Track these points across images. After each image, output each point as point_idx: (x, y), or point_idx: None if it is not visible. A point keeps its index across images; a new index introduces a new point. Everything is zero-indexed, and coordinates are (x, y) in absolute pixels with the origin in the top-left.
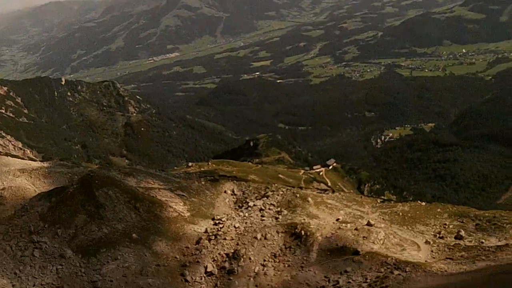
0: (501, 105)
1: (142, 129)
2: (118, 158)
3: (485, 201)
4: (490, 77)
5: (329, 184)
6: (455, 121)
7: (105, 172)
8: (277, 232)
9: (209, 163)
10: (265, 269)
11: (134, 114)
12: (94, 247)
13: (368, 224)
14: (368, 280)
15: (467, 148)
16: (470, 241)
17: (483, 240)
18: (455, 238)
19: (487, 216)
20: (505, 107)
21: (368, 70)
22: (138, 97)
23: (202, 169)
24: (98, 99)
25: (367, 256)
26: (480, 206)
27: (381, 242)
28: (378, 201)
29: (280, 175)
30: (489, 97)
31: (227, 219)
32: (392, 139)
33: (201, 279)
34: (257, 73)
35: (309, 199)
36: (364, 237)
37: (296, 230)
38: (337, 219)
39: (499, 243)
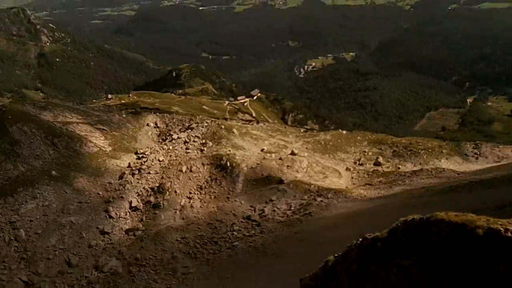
0: (418, 34)
1: (57, 59)
2: (32, 92)
3: (402, 128)
4: (409, 6)
5: (254, 114)
6: (374, 50)
7: (19, 107)
8: (203, 164)
9: (130, 95)
10: (191, 201)
11: (48, 44)
12: (11, 186)
13: (292, 153)
14: (292, 208)
15: (386, 77)
16: (388, 167)
17: (400, 166)
18: (374, 164)
19: (403, 143)
20: (422, 36)
21: None
22: (51, 25)
23: (122, 101)
24: (7, 28)
25: (291, 185)
26: (397, 133)
27: (305, 170)
28: (302, 130)
29: (204, 107)
30: (407, 26)
31: (151, 153)
32: (315, 69)
33: (126, 214)
34: None
35: (234, 130)
36: (288, 166)
37: (222, 161)
38: (262, 150)
39: (414, 168)
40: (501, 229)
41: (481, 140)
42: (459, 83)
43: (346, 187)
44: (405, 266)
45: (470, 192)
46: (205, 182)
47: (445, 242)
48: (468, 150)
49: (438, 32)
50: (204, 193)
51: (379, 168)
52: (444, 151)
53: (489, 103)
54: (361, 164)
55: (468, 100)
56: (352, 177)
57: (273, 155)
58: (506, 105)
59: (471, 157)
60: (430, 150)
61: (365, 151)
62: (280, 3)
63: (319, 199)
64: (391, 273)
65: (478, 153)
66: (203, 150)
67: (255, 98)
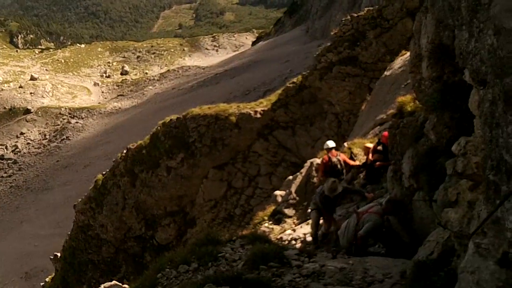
0: None
1: None
2: None
3: (141, 32)
4: None
5: None
6: None
7: None
8: None
9: None
10: None
11: None
12: None
13: (32, 78)
14: (47, 136)
15: None
16: (136, 74)
17: (147, 71)
18: (121, 74)
19: (145, 47)
20: None
21: None
22: None
23: None
24: None
25: (39, 112)
26: (137, 38)
27: (50, 94)
28: (36, 51)
29: None
30: None
31: None
32: None
33: None
34: None
35: None
36: (31, 93)
37: None
38: None
39: (162, 71)
40: (251, 112)
41: (217, 32)
42: None
43: (99, 102)
44: (173, 167)
45: (218, 84)
46: None
47: (205, 134)
48: (208, 44)
49: None
50: None
51: (127, 77)
52: (185, 49)
53: None
54: (108, 76)
55: None
56: (102, 92)
57: (11, 84)
58: None
59: (212, 50)
60: (172, 50)
61: (109, 62)
62: None
63: (73, 121)
64: (162, 176)
65: (217, 45)
66: None
67: None
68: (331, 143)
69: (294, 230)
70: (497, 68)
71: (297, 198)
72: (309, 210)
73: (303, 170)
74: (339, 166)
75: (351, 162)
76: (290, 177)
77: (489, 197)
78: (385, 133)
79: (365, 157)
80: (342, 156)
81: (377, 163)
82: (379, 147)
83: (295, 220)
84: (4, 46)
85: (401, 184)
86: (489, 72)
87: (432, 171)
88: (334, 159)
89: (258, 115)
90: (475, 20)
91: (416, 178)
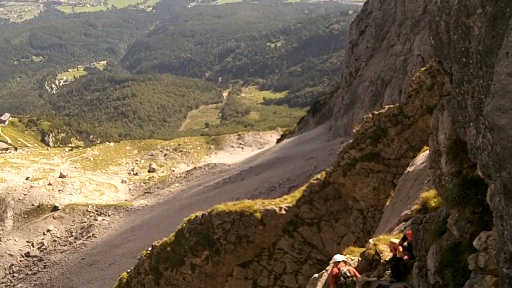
0: (165, 34)
1: None
2: None
3: (168, 131)
4: (151, 8)
5: (10, 141)
6: (125, 56)
7: None
8: None
9: None
10: None
11: None
12: None
13: (61, 176)
14: (74, 234)
15: (143, 82)
16: (163, 172)
17: (174, 168)
18: (149, 171)
19: (173, 145)
20: (169, 36)
21: (26, 10)
22: None
23: None
24: None
25: (67, 209)
26: (164, 136)
27: (78, 191)
28: (66, 150)
29: None
30: (153, 28)
31: None
32: (67, 82)
33: None
34: None
35: None
36: (59, 190)
37: None
38: (27, 178)
39: (188, 168)
40: (276, 208)
41: (243, 130)
42: (213, 79)
43: (126, 200)
44: (198, 264)
45: (243, 180)
46: None
47: (230, 231)
48: (233, 142)
49: (184, 31)
50: None
51: (154, 174)
52: (211, 146)
53: (243, 94)
54: (135, 174)
55: (224, 94)
56: (129, 189)
57: (41, 181)
58: (258, 94)
59: (237, 147)
60: (199, 148)
61: (137, 160)
62: (15, 16)
63: (100, 218)
64: (186, 274)
65: (243, 143)
66: None
67: (6, 123)
68: (339, 257)
69: None
70: (496, 163)
71: None
72: None
73: (329, 268)
74: (348, 274)
75: (358, 275)
76: (316, 275)
77: None
78: (410, 231)
79: (391, 253)
80: (351, 268)
81: (405, 257)
82: (405, 243)
83: None
84: (36, 145)
85: (427, 281)
86: (491, 167)
87: (457, 267)
88: (343, 269)
89: (283, 211)
90: (480, 117)
91: (441, 274)
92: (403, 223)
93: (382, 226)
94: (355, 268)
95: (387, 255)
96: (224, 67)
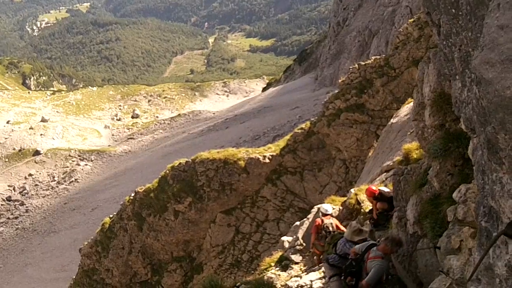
0: None
1: None
2: None
3: (153, 77)
4: None
5: None
6: None
7: None
8: None
9: None
10: None
11: None
12: None
13: (43, 120)
14: (56, 178)
15: (127, 26)
16: (146, 118)
17: (158, 114)
18: (132, 117)
19: (157, 91)
20: None
21: None
22: None
23: None
24: None
25: (49, 154)
26: (148, 82)
27: (61, 136)
28: (48, 93)
29: None
30: None
31: None
32: (49, 24)
33: None
34: None
35: None
36: (41, 134)
37: None
38: (8, 121)
39: (172, 115)
40: (260, 156)
41: (228, 78)
42: (199, 24)
43: (109, 145)
44: (181, 211)
45: (227, 129)
46: None
47: (214, 179)
48: (218, 89)
49: None
50: None
51: (138, 120)
52: (196, 93)
53: (229, 41)
54: (119, 119)
55: (210, 40)
56: (112, 134)
57: (22, 125)
58: (244, 41)
59: (222, 95)
60: (183, 95)
61: (120, 105)
62: None
63: (82, 163)
64: (169, 220)
65: (228, 90)
66: None
67: None
68: (329, 209)
69: (300, 277)
70: (481, 117)
71: (304, 244)
72: (327, 279)
73: (310, 216)
74: (330, 228)
75: (342, 228)
76: (298, 222)
77: (481, 243)
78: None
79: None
80: (335, 221)
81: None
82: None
83: (302, 267)
84: (17, 88)
85: (405, 230)
86: (476, 121)
87: (436, 218)
88: (326, 221)
89: (267, 160)
90: (467, 71)
91: (420, 225)
92: (385, 173)
93: (364, 176)
94: (336, 217)
95: (367, 205)
96: (210, 13)
